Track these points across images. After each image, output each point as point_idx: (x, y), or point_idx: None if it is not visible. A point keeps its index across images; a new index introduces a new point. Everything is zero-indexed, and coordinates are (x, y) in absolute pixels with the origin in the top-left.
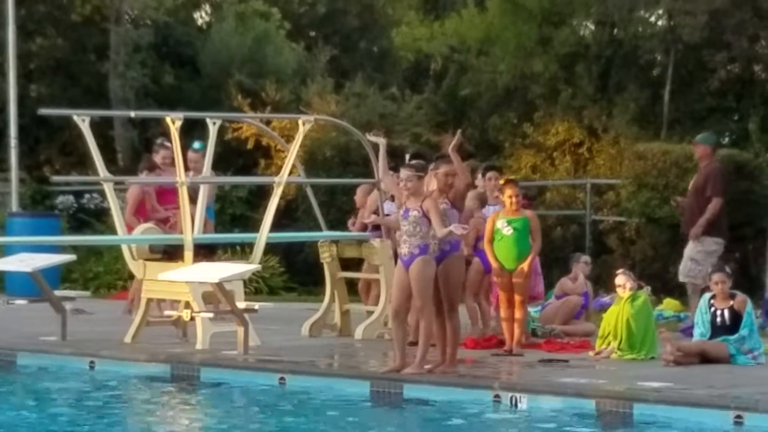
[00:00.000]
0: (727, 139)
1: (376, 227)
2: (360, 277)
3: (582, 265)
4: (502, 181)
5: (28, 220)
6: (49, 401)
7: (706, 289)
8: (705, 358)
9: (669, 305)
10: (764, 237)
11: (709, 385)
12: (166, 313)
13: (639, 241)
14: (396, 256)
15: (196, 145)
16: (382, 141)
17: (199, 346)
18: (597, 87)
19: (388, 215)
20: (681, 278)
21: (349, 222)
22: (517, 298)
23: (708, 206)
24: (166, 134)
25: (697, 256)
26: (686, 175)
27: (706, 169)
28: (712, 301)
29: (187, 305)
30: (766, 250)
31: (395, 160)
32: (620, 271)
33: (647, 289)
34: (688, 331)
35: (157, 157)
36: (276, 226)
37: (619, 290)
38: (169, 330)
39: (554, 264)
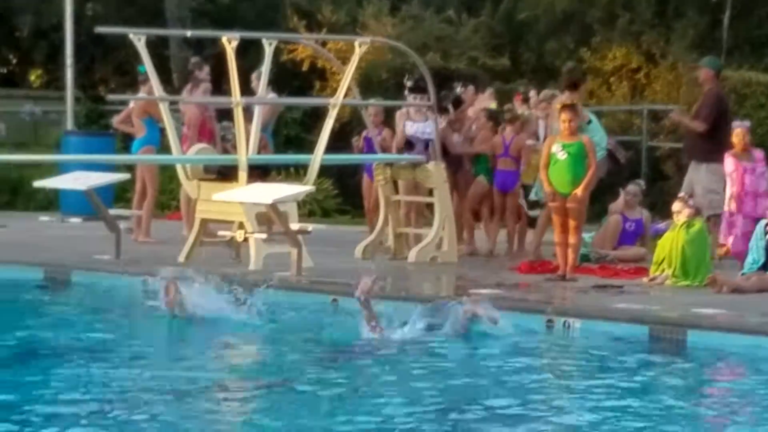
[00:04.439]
0: None
1: (410, 147)
2: (414, 200)
3: (622, 195)
4: (559, 106)
5: (83, 139)
6: (103, 319)
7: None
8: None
9: None
10: None
11: (764, 312)
12: (220, 233)
13: None
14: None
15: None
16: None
17: (252, 267)
18: (655, 12)
19: (412, 135)
20: (705, 213)
21: (354, 140)
22: (571, 223)
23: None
24: (220, 55)
25: (714, 185)
26: (744, 102)
27: (705, 94)
28: (767, 228)
29: (241, 226)
30: None
31: (451, 84)
32: (678, 196)
33: (703, 216)
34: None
35: (202, 73)
36: (330, 148)
37: (675, 216)
38: (223, 251)
39: (608, 190)
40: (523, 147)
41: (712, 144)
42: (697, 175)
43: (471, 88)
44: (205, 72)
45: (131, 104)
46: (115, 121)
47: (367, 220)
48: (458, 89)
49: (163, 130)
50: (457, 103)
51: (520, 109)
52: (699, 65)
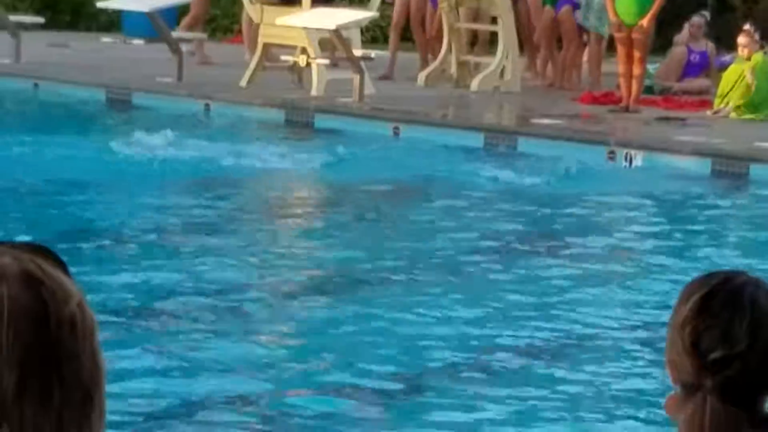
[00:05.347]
0: None
1: None
2: (477, 28)
3: (686, 26)
4: None
5: None
6: (165, 141)
7: None
8: None
9: None
10: None
11: None
12: (283, 58)
13: None
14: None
15: None
16: None
17: (314, 93)
18: None
19: None
20: None
21: None
22: (636, 54)
23: None
24: None
25: None
26: None
27: None
28: None
29: (304, 51)
30: None
31: None
32: (744, 29)
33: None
34: None
35: None
36: None
37: (740, 50)
38: (284, 75)
39: (675, 21)
40: None
41: None
42: None
43: None
44: None
45: None
46: None
47: (429, 48)
48: None
49: None
50: None
51: None
52: None
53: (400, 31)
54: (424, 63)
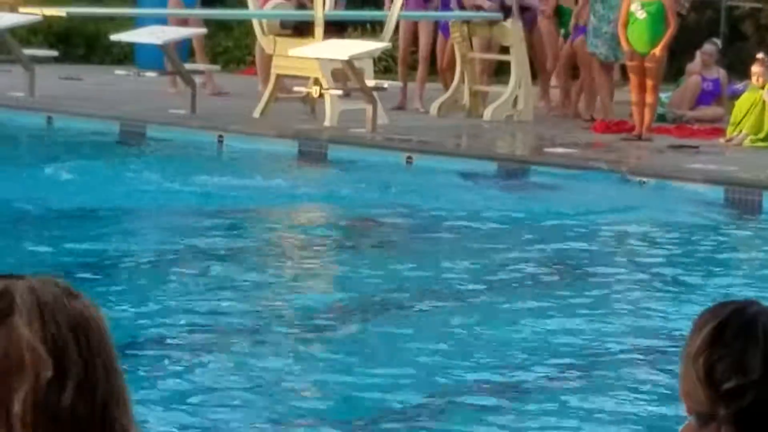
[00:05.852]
0: None
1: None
2: (490, 58)
3: (698, 55)
4: None
5: None
6: (179, 173)
7: None
8: None
9: None
10: None
11: None
12: (296, 89)
13: None
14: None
15: None
16: None
17: (327, 123)
18: None
19: None
20: None
21: None
22: (648, 82)
23: None
24: None
25: None
26: None
27: None
28: None
29: (317, 82)
30: None
31: None
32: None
33: None
34: None
35: None
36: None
37: (754, 79)
38: (297, 106)
39: (686, 50)
40: None
41: None
42: None
43: None
44: None
45: None
46: None
47: (441, 79)
48: None
49: None
50: None
51: None
52: None
53: (407, 63)
54: (421, 95)
